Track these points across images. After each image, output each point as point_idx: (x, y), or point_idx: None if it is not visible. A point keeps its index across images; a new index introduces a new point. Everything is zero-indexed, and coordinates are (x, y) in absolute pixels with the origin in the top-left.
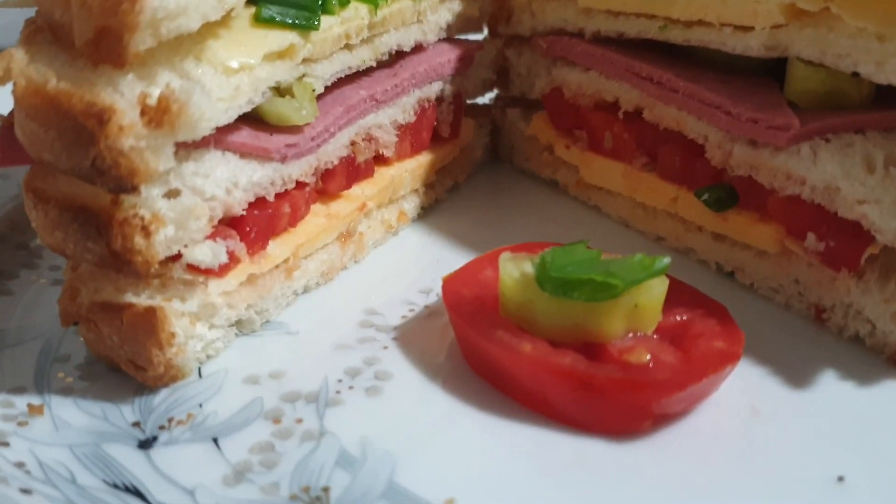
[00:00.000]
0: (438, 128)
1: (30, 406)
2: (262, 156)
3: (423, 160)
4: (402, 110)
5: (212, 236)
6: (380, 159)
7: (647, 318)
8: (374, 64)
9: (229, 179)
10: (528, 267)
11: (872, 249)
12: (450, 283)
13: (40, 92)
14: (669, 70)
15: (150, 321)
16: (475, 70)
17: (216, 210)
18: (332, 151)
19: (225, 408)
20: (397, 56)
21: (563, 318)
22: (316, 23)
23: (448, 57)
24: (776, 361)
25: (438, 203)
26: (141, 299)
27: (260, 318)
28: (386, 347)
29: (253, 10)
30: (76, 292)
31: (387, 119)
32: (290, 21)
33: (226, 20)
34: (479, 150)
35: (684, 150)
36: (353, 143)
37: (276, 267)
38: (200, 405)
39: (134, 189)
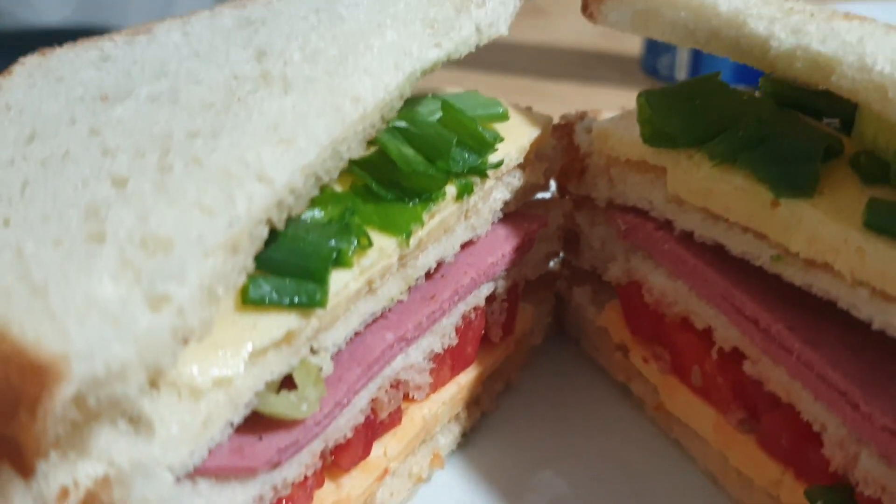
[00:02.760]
0: (488, 332)
1: None
2: (248, 475)
3: (465, 379)
4: (442, 336)
5: None
6: (408, 397)
7: None
8: (406, 296)
9: None
10: None
11: None
12: None
13: None
14: (782, 318)
15: None
16: (536, 247)
17: None
18: (346, 424)
19: None
20: (435, 268)
21: None
22: (321, 297)
23: (502, 251)
24: None
25: (484, 417)
26: None
27: None
28: None
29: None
30: None
31: (420, 356)
32: (287, 301)
33: None
34: (539, 335)
35: (795, 430)
36: (374, 401)
37: None
38: None
39: None
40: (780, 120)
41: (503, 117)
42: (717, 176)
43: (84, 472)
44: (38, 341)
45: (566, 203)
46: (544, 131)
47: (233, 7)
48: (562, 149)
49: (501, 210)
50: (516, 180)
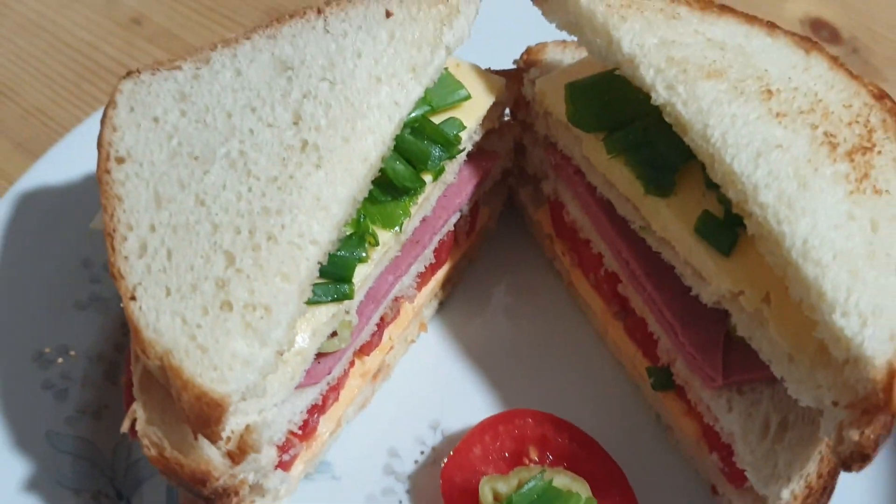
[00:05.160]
0: (456, 239)
1: None
2: (314, 384)
3: (441, 273)
4: (425, 261)
5: (280, 462)
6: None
7: None
8: (400, 252)
9: (291, 415)
10: (504, 488)
11: None
12: (447, 472)
13: (162, 459)
14: (643, 265)
15: None
16: (493, 169)
17: (281, 440)
18: (366, 334)
19: None
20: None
21: None
22: (350, 292)
23: (466, 191)
24: None
25: (454, 287)
26: None
27: (314, 468)
28: (401, 502)
29: None
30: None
31: (410, 280)
32: (330, 299)
33: None
34: (494, 222)
35: (644, 333)
36: (382, 316)
37: None
38: None
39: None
40: (661, 125)
41: (466, 98)
42: (611, 160)
43: (235, 423)
44: (212, 385)
45: (516, 127)
46: (499, 94)
47: (266, 38)
48: (513, 91)
49: (465, 156)
50: (477, 135)
